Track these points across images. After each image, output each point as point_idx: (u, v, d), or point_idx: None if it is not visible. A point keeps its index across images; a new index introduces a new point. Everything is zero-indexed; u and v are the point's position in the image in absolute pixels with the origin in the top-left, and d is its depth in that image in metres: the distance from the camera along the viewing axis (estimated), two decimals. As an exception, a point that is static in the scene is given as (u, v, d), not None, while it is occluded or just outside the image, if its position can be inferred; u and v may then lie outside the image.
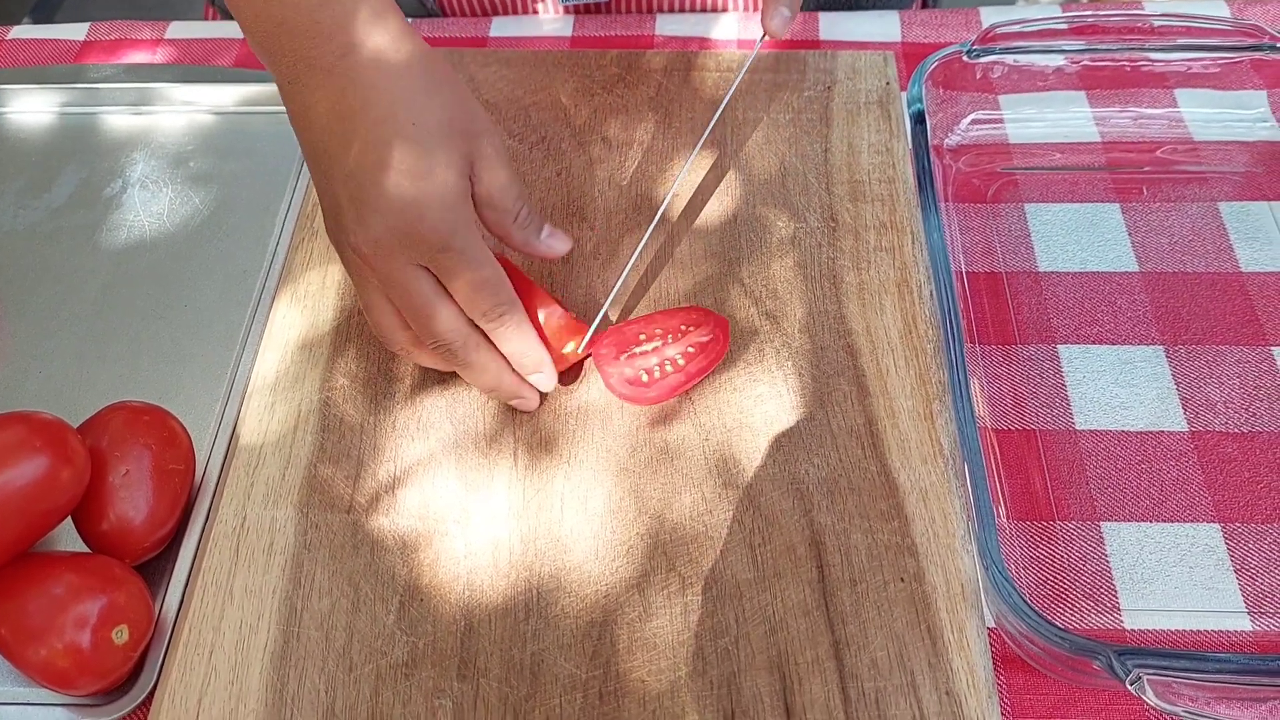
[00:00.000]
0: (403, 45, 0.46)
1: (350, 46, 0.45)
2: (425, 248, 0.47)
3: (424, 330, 0.49)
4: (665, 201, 0.59)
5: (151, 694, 0.47)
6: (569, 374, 0.55)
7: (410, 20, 0.75)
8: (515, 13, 0.76)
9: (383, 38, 0.46)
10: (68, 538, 0.50)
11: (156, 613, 0.49)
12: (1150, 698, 0.40)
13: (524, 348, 0.51)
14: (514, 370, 0.52)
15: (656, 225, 0.60)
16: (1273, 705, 0.42)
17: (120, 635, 0.45)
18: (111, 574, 0.47)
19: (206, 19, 0.86)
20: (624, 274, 0.56)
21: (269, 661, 0.46)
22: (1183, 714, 0.41)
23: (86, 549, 0.49)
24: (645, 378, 0.52)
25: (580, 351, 0.54)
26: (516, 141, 0.65)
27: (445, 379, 0.55)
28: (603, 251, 0.59)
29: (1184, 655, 0.41)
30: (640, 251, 0.57)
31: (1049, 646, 0.43)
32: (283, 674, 0.46)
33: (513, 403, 0.53)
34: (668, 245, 0.59)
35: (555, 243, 0.53)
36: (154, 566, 0.51)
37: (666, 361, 0.52)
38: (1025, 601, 0.44)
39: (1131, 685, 0.41)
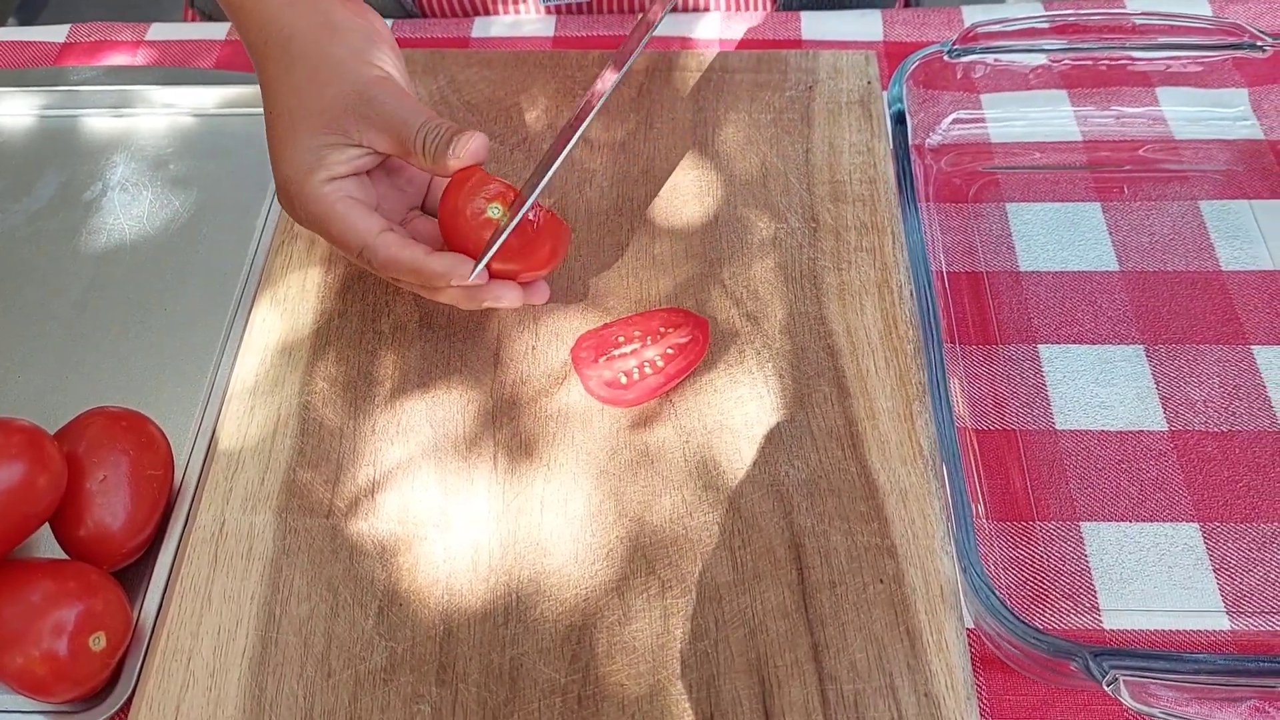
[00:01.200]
0: (282, 34, 0.52)
1: (269, 41, 0.53)
2: (289, 210, 0.53)
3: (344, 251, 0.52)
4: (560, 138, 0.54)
5: (129, 700, 0.46)
6: (551, 379, 0.54)
7: (390, 22, 0.75)
8: (496, 13, 0.76)
9: (260, 39, 0.53)
10: (45, 544, 0.50)
11: (135, 619, 0.48)
12: (1126, 699, 0.40)
13: (403, 271, 0.50)
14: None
15: (637, 226, 0.60)
16: (1249, 705, 0.42)
17: (97, 642, 0.45)
18: (88, 581, 0.46)
19: (186, 20, 0.86)
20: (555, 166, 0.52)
21: (247, 667, 0.46)
22: (1159, 715, 0.41)
23: (64, 555, 0.49)
24: (624, 380, 0.52)
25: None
26: (498, 143, 0.64)
27: (425, 382, 0.55)
28: (584, 252, 0.59)
29: (1160, 656, 0.41)
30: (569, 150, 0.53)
31: (1026, 648, 0.43)
32: (261, 680, 0.46)
33: (491, 302, 0.52)
34: (648, 246, 0.59)
35: (472, 145, 0.50)
36: (132, 572, 0.50)
37: (645, 363, 0.52)
38: (1003, 603, 0.44)
39: (1108, 686, 0.41)
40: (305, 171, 0.51)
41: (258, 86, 0.68)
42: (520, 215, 0.50)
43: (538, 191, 0.51)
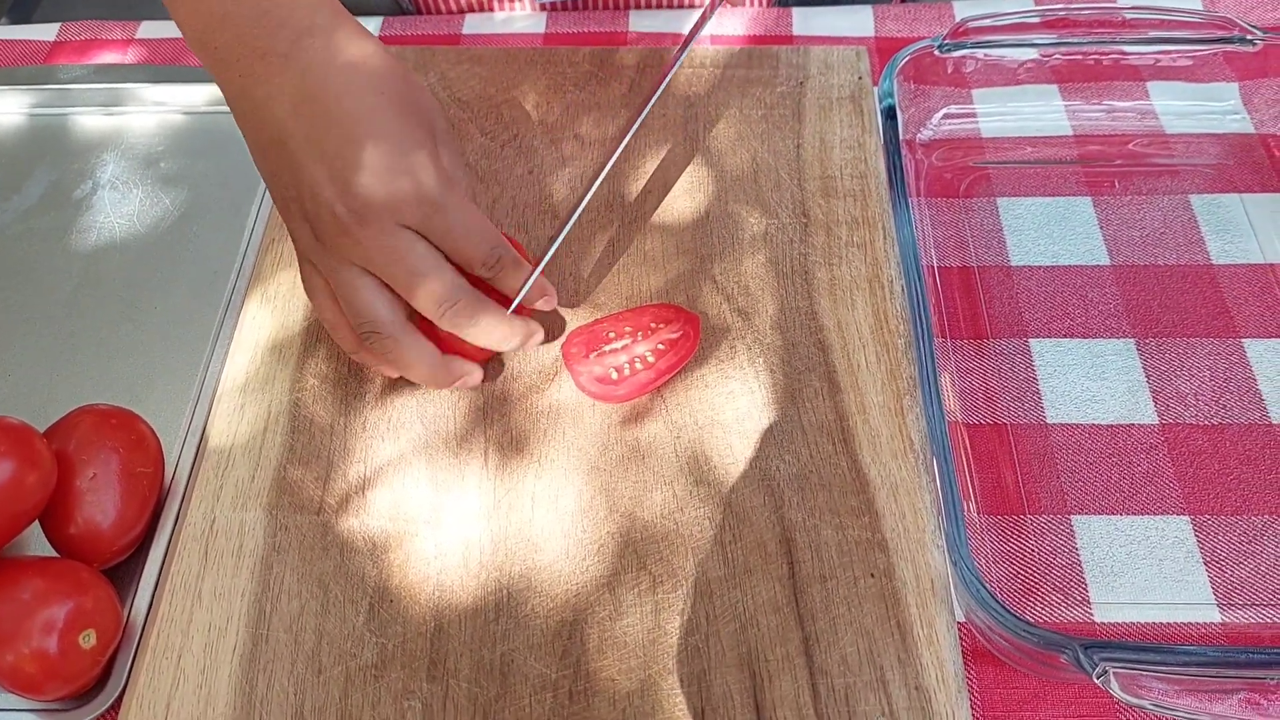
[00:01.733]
0: (346, 27, 0.48)
1: (303, 31, 0.46)
2: (420, 206, 0.47)
3: (419, 296, 0.48)
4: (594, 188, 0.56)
5: (120, 698, 0.46)
6: (542, 375, 0.54)
7: (383, 19, 0.75)
8: (490, 9, 0.76)
9: (328, 20, 0.47)
10: (36, 542, 0.50)
11: (125, 616, 0.48)
12: (1116, 691, 0.40)
13: (523, 279, 0.51)
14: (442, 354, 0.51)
15: (629, 222, 0.60)
16: (1240, 697, 0.42)
17: (87, 640, 0.45)
18: (78, 578, 0.46)
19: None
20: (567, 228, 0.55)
21: (238, 664, 0.46)
22: (1150, 707, 0.41)
23: (54, 553, 0.49)
24: (615, 375, 0.52)
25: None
26: (488, 139, 0.64)
27: (416, 379, 0.55)
28: (575, 249, 0.59)
29: (1150, 648, 0.42)
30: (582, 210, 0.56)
31: (1017, 641, 0.43)
32: (251, 677, 0.46)
33: (460, 384, 0.52)
34: (639, 243, 0.59)
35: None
36: (123, 570, 0.50)
37: (636, 359, 0.52)
38: (992, 596, 0.44)
39: (1098, 679, 0.41)
40: (433, 152, 0.48)
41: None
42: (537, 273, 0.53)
43: (556, 244, 0.54)
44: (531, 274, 0.52)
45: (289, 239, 0.60)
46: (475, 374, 0.53)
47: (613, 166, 0.56)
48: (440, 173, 0.48)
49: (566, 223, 0.55)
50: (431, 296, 0.48)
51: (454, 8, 0.76)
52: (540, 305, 0.54)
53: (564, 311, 0.57)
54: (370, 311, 0.48)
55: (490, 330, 0.50)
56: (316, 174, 0.46)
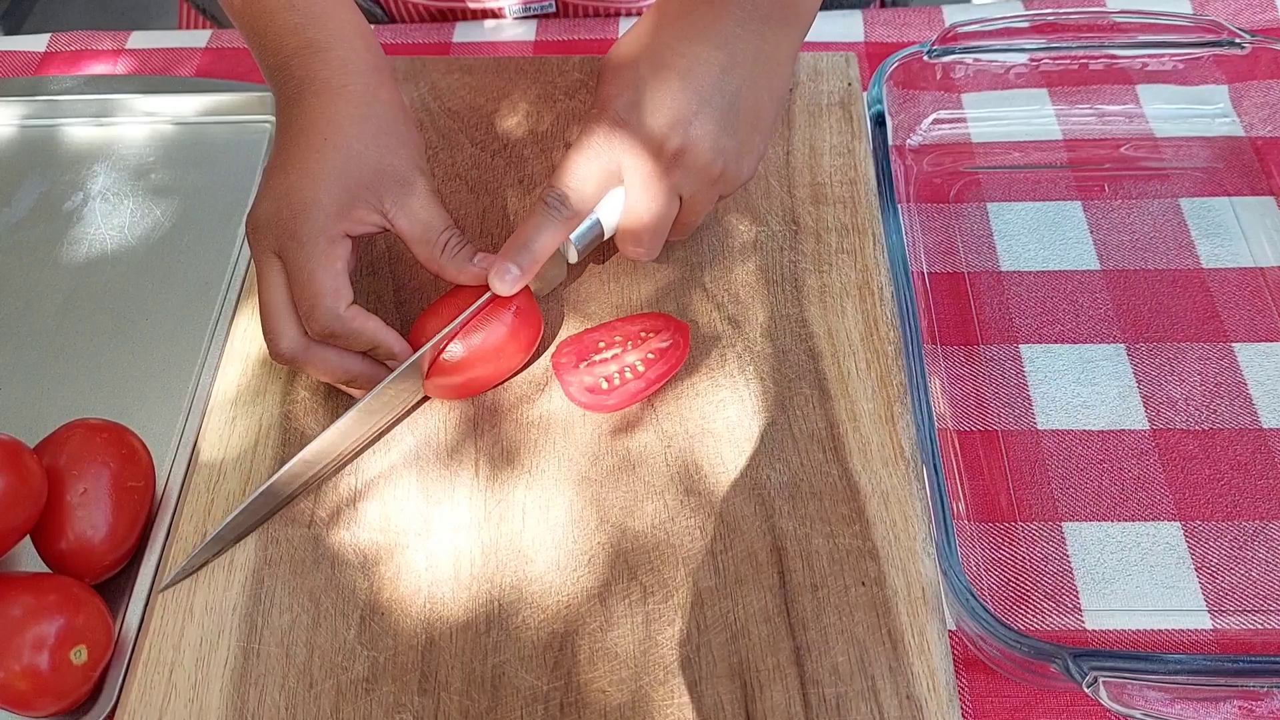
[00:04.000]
0: (348, 86, 0.52)
1: (305, 82, 0.51)
2: (281, 232, 0.49)
3: (263, 321, 0.50)
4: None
5: (112, 714, 0.46)
6: (532, 386, 0.54)
7: (378, 26, 0.75)
8: (466, 18, 0.76)
9: (338, 78, 0.51)
10: (27, 558, 0.50)
11: (116, 631, 0.48)
12: (1106, 700, 0.40)
13: (367, 343, 0.51)
14: (364, 358, 0.52)
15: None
16: (1231, 705, 0.42)
17: (79, 655, 0.45)
18: (70, 594, 0.46)
19: (180, 22, 0.86)
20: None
21: (229, 679, 0.46)
22: (1140, 716, 0.41)
23: (45, 568, 0.49)
24: (605, 385, 0.52)
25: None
26: (479, 149, 0.64)
27: (406, 390, 0.55)
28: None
29: (1140, 657, 0.42)
30: None
31: (1007, 650, 0.43)
32: (243, 691, 0.46)
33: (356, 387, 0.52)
34: (629, 251, 0.59)
35: (486, 268, 0.52)
36: (114, 585, 0.50)
37: (626, 368, 0.52)
38: (982, 605, 0.44)
39: (1088, 688, 0.41)
40: (337, 206, 0.49)
41: (239, 94, 0.69)
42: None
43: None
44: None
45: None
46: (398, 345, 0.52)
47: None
48: (319, 225, 0.49)
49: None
50: (265, 325, 0.50)
51: (424, 15, 0.76)
52: (393, 365, 0.52)
53: (553, 321, 0.57)
54: (269, 321, 0.50)
55: (325, 374, 0.51)
56: (259, 183, 0.52)
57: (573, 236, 0.52)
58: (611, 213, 0.52)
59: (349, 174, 0.50)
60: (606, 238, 0.54)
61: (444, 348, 0.52)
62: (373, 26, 0.74)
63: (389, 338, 0.51)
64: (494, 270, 0.51)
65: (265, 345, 0.50)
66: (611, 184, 0.51)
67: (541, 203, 0.51)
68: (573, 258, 0.54)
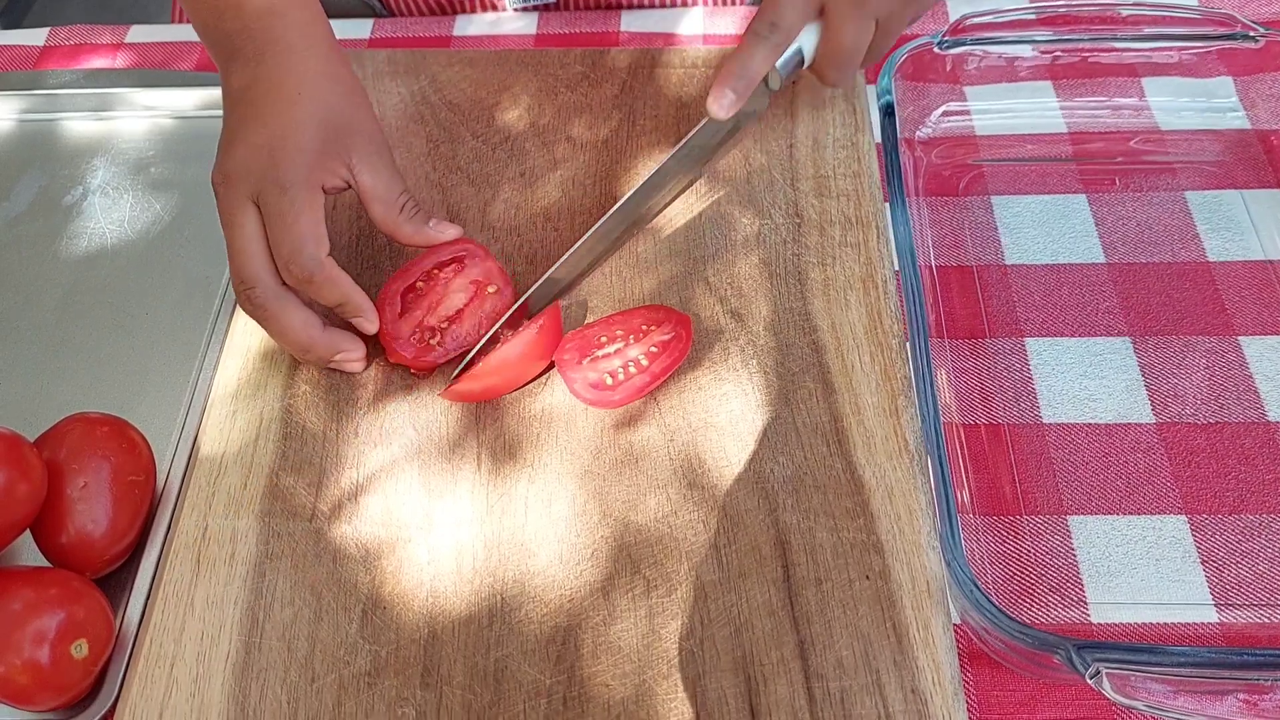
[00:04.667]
0: (313, 47, 0.54)
1: (268, 43, 0.53)
2: (264, 180, 0.50)
3: (236, 269, 0.51)
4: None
5: (113, 708, 0.46)
6: (534, 379, 0.54)
7: (374, 21, 0.74)
8: (467, 11, 0.75)
9: (300, 40, 0.54)
10: (27, 552, 0.50)
11: (117, 625, 0.48)
12: (1109, 691, 0.40)
13: (340, 295, 0.52)
14: (326, 326, 0.53)
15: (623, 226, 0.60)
16: (1234, 698, 0.41)
17: (80, 650, 0.45)
18: (70, 588, 0.46)
19: (174, 19, 0.86)
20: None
21: (231, 673, 0.46)
22: (1143, 708, 0.40)
23: (46, 563, 0.49)
24: (609, 380, 0.51)
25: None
26: (480, 142, 0.64)
27: (408, 384, 0.54)
28: (565, 252, 0.59)
29: (1143, 649, 0.41)
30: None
31: (1011, 642, 0.43)
32: (244, 685, 0.46)
33: (337, 361, 0.53)
34: (632, 245, 0.59)
35: (445, 229, 0.55)
36: (115, 579, 0.50)
37: (630, 363, 0.52)
38: (986, 597, 0.44)
39: (1091, 679, 0.41)
40: (316, 155, 0.51)
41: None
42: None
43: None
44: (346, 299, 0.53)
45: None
46: (356, 352, 0.54)
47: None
48: (301, 173, 0.50)
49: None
50: (238, 275, 0.51)
51: (425, 9, 0.75)
52: (361, 325, 0.54)
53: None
54: (244, 268, 0.51)
55: (287, 331, 0.51)
56: (221, 140, 0.53)
57: (778, 64, 0.56)
58: (809, 43, 0.57)
59: (325, 125, 0.52)
60: (805, 66, 0.58)
61: (481, 356, 0.53)
62: (373, 20, 0.74)
63: (358, 295, 0.52)
64: (712, 96, 0.56)
65: (234, 282, 0.51)
66: (812, 14, 0.55)
67: (752, 32, 0.55)
68: (775, 85, 0.58)
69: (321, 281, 0.50)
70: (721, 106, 0.56)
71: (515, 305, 0.55)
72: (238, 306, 0.58)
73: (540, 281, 0.55)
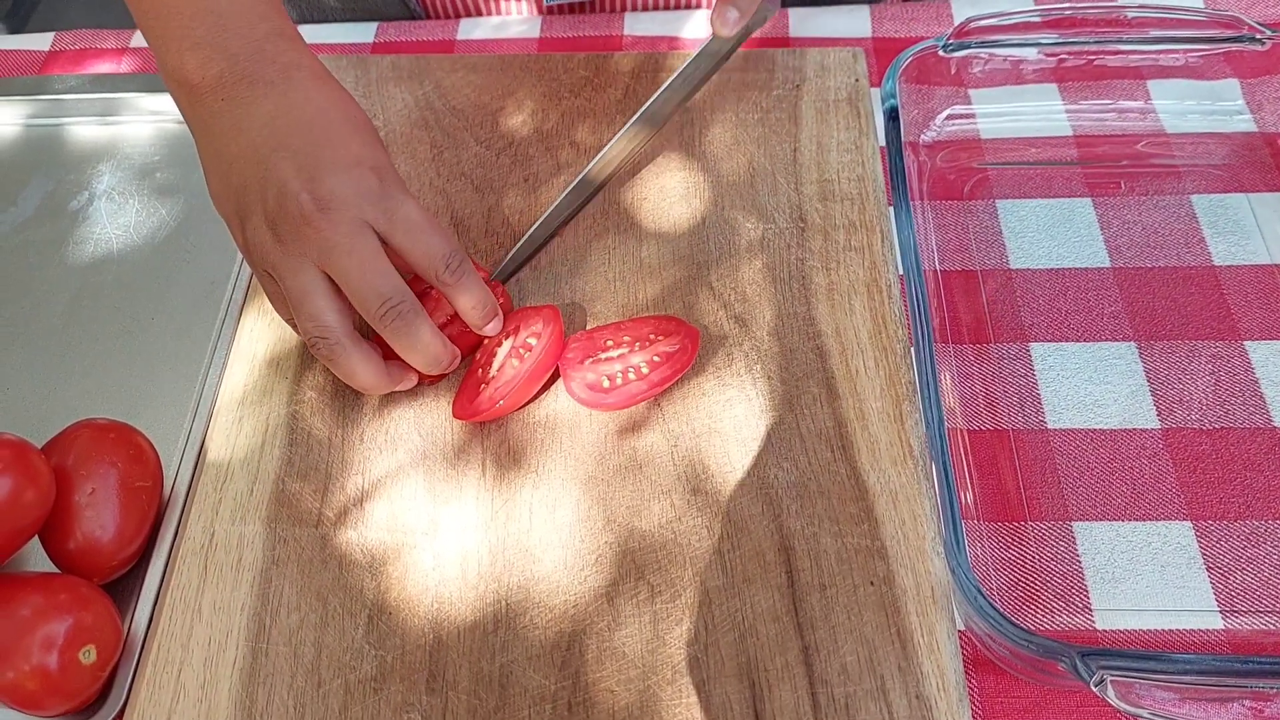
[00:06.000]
0: (324, 70, 0.53)
1: (291, 65, 0.51)
2: (384, 201, 0.49)
3: (365, 292, 0.49)
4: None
5: (121, 713, 0.46)
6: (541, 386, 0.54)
7: (378, 25, 0.74)
8: (497, 12, 0.75)
9: (312, 63, 0.53)
10: (36, 558, 0.50)
11: (125, 631, 0.48)
12: (1113, 699, 0.40)
13: (482, 295, 0.52)
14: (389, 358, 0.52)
15: (624, 230, 0.60)
16: (1239, 706, 0.41)
17: (88, 655, 0.45)
18: (78, 594, 0.46)
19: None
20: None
21: (237, 678, 0.46)
22: (1148, 716, 0.40)
23: (54, 569, 0.49)
24: (607, 383, 0.52)
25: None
26: (483, 148, 0.64)
27: (413, 390, 0.54)
28: (570, 257, 0.59)
29: (1148, 656, 0.41)
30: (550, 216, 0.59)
31: (1015, 648, 0.43)
32: (251, 691, 0.46)
33: (395, 388, 0.53)
34: (635, 250, 0.59)
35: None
36: (122, 584, 0.50)
37: (630, 369, 0.52)
38: (990, 604, 0.44)
39: (1096, 687, 0.41)
40: (393, 174, 0.52)
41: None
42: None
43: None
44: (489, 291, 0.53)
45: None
46: (410, 379, 0.54)
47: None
48: (400, 181, 0.51)
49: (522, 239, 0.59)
50: (377, 293, 0.49)
51: (459, 10, 0.76)
52: (487, 330, 0.54)
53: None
54: (319, 317, 0.49)
55: (423, 344, 0.51)
56: (284, 171, 0.49)
57: None
58: None
59: (381, 143, 0.52)
60: None
61: (486, 372, 0.53)
62: (376, 24, 0.75)
63: (490, 294, 0.53)
64: (716, 12, 0.57)
65: (369, 304, 0.49)
66: None
67: None
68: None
69: (472, 272, 0.51)
70: (726, 25, 0.57)
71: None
72: (244, 312, 0.58)
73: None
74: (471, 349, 0.55)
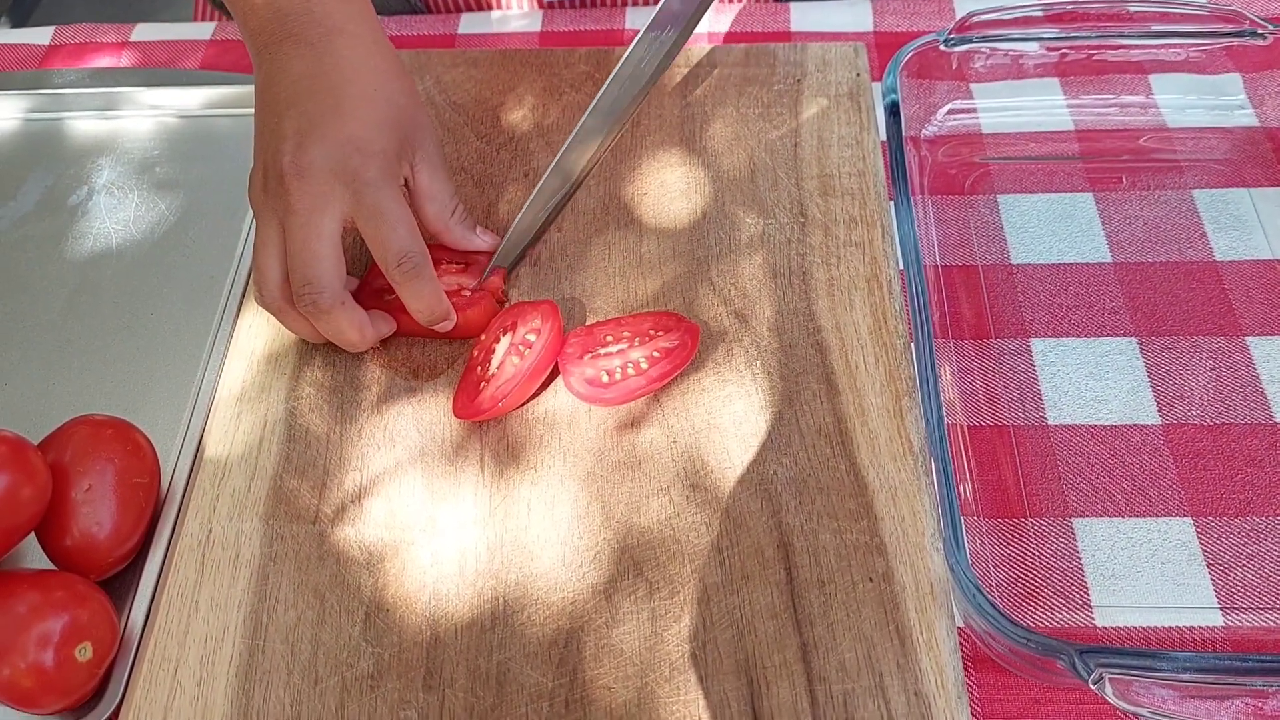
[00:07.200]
0: (376, 38, 0.54)
1: (334, 30, 0.53)
2: (356, 179, 0.50)
3: (310, 266, 0.50)
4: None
5: (117, 710, 0.46)
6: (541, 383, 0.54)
7: (384, 18, 0.74)
8: (493, 7, 0.75)
9: (361, 29, 0.54)
10: (32, 554, 0.50)
11: (121, 628, 0.48)
12: (1111, 697, 0.40)
13: (432, 301, 0.53)
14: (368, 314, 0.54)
15: (624, 225, 0.60)
16: (1239, 703, 0.41)
17: (84, 653, 0.45)
18: (74, 591, 0.46)
19: (196, 18, 0.85)
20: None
21: (234, 676, 0.46)
22: (1147, 714, 0.40)
23: (51, 565, 0.49)
24: (606, 379, 0.51)
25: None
26: (484, 143, 0.64)
27: (412, 386, 0.54)
28: (570, 252, 0.59)
29: (1146, 654, 0.41)
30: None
31: (1014, 646, 0.43)
32: (248, 688, 0.46)
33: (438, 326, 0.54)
34: (635, 245, 0.59)
35: (486, 237, 0.58)
36: (119, 581, 0.50)
37: (629, 364, 0.52)
38: (989, 601, 0.43)
39: (1094, 685, 0.40)
40: (395, 154, 0.52)
41: (244, 87, 0.69)
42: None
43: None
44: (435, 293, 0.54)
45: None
46: (390, 326, 0.55)
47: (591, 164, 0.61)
48: (387, 171, 0.52)
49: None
50: (315, 269, 0.50)
51: (460, 5, 0.75)
52: (443, 325, 0.55)
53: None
54: (267, 270, 0.51)
55: (428, 297, 0.53)
56: (286, 128, 0.51)
57: None
58: None
59: (398, 125, 0.53)
60: None
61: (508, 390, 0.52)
62: (384, 19, 0.74)
63: (444, 298, 0.54)
64: None
65: (302, 293, 0.51)
66: None
67: None
68: None
69: (427, 276, 0.52)
70: None
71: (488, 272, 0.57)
72: (243, 307, 0.58)
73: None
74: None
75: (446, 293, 0.54)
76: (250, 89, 0.68)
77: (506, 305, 0.57)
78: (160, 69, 0.73)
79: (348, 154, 0.50)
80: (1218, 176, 0.63)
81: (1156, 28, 0.62)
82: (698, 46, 0.68)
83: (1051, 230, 0.61)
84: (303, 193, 0.50)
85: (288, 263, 0.51)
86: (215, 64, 0.73)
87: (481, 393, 0.52)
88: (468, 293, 0.56)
